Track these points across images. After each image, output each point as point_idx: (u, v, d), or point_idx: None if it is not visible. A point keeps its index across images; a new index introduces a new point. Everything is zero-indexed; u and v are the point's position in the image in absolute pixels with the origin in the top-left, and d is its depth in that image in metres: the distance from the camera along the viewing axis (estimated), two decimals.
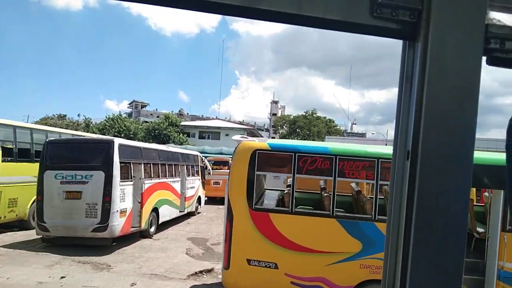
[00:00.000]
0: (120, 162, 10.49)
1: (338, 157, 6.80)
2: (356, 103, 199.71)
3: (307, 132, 64.73)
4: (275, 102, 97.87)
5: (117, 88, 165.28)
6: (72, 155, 10.56)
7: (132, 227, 11.26)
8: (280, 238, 6.83)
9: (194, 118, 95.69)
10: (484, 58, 0.90)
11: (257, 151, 6.90)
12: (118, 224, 10.18)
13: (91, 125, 57.02)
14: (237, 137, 7.50)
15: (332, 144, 7.79)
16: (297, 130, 66.53)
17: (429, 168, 0.86)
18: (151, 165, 12.44)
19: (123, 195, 10.48)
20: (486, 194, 8.78)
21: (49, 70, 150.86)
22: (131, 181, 11.06)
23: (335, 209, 6.77)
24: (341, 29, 0.91)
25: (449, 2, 0.86)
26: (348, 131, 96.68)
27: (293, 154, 6.86)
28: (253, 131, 63.28)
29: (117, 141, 10.58)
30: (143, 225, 11.71)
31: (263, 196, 9.33)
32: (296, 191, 7.24)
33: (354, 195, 8.66)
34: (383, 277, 0.99)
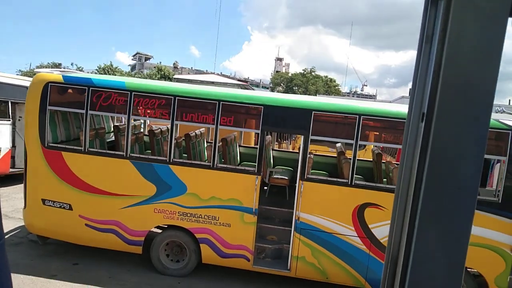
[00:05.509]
0: None
1: (133, 93, 6.18)
2: (370, 65, 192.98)
3: (304, 91, 63.22)
4: (279, 60, 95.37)
5: (128, 40, 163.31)
6: None
7: (16, 168, 11.03)
8: (74, 179, 6.41)
9: (198, 72, 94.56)
10: (510, 20, 0.82)
11: (49, 84, 6.33)
12: None
13: None
14: (44, 70, 6.89)
15: (131, 79, 7.13)
16: (294, 88, 65.00)
17: (443, 131, 0.84)
18: None
19: None
20: (339, 145, 8.10)
21: (63, 20, 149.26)
22: (8, 120, 10.68)
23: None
24: None
25: None
26: (358, 92, 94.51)
27: (86, 88, 6.27)
28: (247, 87, 62.07)
29: None
30: None
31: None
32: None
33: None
34: (389, 238, 0.98)
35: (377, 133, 6.79)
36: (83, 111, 6.36)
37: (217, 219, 6.22)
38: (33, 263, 6.64)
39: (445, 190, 0.85)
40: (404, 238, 0.91)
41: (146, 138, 7.83)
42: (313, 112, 5.90)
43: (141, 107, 6.33)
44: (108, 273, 6.56)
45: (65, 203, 6.49)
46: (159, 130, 7.49)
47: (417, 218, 0.86)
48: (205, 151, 7.77)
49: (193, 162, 6.57)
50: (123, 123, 7.88)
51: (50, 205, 6.52)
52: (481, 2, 0.80)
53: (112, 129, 8.40)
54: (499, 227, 5.61)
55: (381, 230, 5.93)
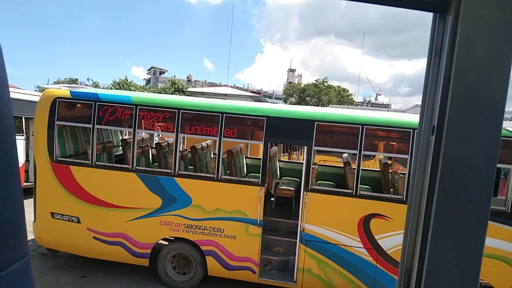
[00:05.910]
0: None
1: (139, 106, 6.30)
2: (384, 74, 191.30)
3: (317, 101, 63.12)
4: (291, 71, 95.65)
5: (144, 55, 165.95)
6: None
7: (30, 182, 11.25)
8: (81, 192, 6.52)
9: (212, 85, 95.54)
10: None
11: (57, 99, 6.49)
12: None
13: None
14: (53, 86, 7.07)
15: (136, 94, 7.24)
16: (306, 98, 64.96)
17: (454, 144, 0.84)
18: None
19: None
20: (345, 155, 8.05)
21: (80, 37, 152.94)
22: (22, 135, 10.96)
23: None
24: (371, 0, 0.91)
25: None
26: (372, 101, 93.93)
27: (93, 103, 6.42)
28: (260, 98, 62.32)
29: None
30: None
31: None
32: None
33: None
34: (402, 251, 0.99)
35: (383, 143, 6.73)
36: (90, 126, 6.49)
37: (222, 231, 6.23)
38: (42, 276, 6.74)
39: (457, 202, 0.84)
40: (418, 250, 0.91)
41: (154, 151, 7.93)
42: (316, 122, 5.90)
43: (146, 121, 6.43)
44: (116, 286, 6.61)
45: (73, 216, 6.59)
46: (166, 142, 7.58)
47: (430, 231, 0.86)
48: (211, 163, 7.82)
49: (198, 174, 6.62)
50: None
51: (59, 218, 6.64)
52: (488, 16, 0.80)
53: (120, 142, 8.53)
54: (509, 237, 5.46)
55: (388, 241, 5.84)
